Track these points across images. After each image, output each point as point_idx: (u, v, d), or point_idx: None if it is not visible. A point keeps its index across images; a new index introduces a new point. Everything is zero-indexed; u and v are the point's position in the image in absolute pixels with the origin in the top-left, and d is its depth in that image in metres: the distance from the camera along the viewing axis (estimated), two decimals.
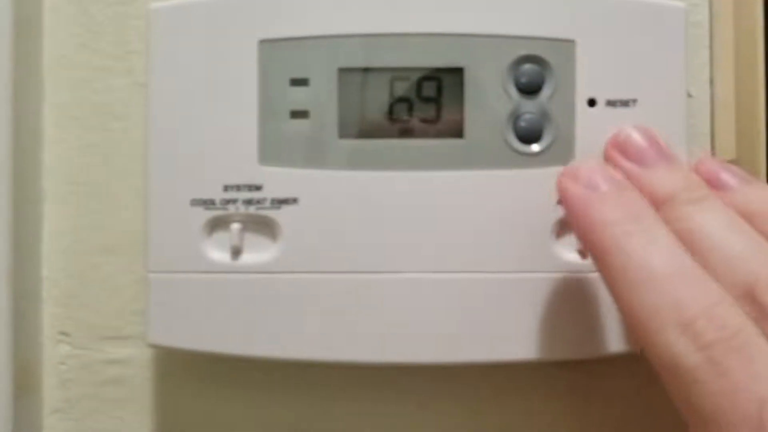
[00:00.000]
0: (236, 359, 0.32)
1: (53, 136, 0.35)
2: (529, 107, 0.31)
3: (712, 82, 0.34)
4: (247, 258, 0.31)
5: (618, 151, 0.28)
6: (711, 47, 0.34)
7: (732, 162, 0.31)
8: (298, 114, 0.31)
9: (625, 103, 0.31)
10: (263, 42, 0.31)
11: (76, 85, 0.35)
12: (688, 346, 0.21)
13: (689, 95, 0.32)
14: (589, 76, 0.31)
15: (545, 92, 0.31)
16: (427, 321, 0.30)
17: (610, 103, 0.31)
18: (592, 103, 0.31)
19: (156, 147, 0.31)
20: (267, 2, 0.31)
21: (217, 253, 0.31)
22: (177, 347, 0.31)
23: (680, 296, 0.22)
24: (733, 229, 0.24)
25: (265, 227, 0.31)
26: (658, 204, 0.26)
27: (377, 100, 0.31)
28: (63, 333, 0.35)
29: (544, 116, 0.31)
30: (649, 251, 0.23)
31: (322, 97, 0.30)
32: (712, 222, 0.25)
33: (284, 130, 0.31)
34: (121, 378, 0.35)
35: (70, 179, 0.35)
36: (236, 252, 0.31)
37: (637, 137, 0.28)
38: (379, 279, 0.30)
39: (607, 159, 0.29)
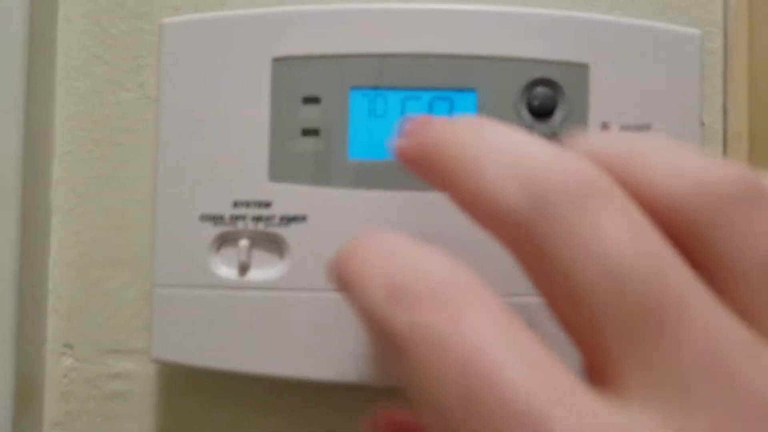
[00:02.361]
0: (240, 376, 0.31)
1: (62, 148, 0.35)
2: (542, 130, 0.31)
3: (725, 110, 0.34)
4: (254, 275, 0.31)
5: None
6: (725, 75, 0.34)
7: None
8: (309, 132, 0.31)
9: (638, 129, 0.31)
10: (276, 60, 0.31)
11: (87, 97, 0.35)
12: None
13: (702, 124, 0.32)
14: (602, 100, 0.31)
15: (558, 116, 0.31)
16: None
17: (624, 128, 0.31)
18: (605, 127, 0.30)
19: (165, 161, 0.31)
20: (280, 20, 0.31)
21: (224, 268, 0.31)
22: (180, 363, 0.31)
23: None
24: None
25: (273, 244, 0.31)
26: None
27: (388, 119, 0.31)
28: (67, 345, 0.35)
29: (556, 140, 0.30)
30: None
31: (333, 115, 0.31)
32: None
33: (295, 147, 0.31)
34: (123, 392, 0.34)
35: (77, 192, 0.35)
36: (243, 268, 0.31)
37: None
38: None
39: None
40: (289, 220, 0.30)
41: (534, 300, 0.29)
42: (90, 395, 0.34)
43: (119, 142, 0.35)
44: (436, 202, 0.30)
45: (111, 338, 0.35)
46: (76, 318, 0.35)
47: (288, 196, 0.30)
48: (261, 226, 0.30)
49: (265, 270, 0.31)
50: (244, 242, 0.30)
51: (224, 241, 0.31)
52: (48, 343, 0.35)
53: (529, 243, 0.18)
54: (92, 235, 0.35)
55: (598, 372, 0.17)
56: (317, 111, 0.31)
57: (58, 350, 0.35)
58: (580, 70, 0.31)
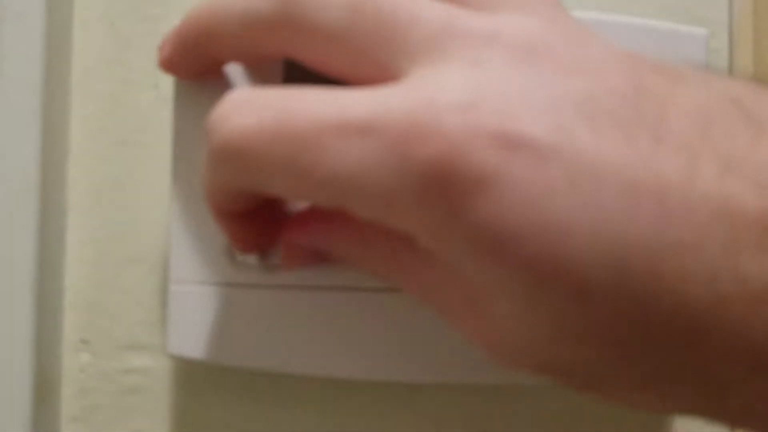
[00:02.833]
0: (260, 373, 0.32)
1: (78, 147, 0.36)
2: None
3: None
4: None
5: None
6: (730, 74, 0.34)
7: None
8: None
9: None
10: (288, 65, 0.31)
11: (104, 98, 0.36)
12: None
13: None
14: None
15: None
16: (450, 337, 0.30)
17: None
18: None
19: (182, 153, 0.31)
20: None
21: (241, 265, 0.31)
22: (199, 359, 0.31)
23: None
24: None
25: None
26: None
27: None
28: (83, 341, 0.35)
29: None
30: None
31: None
32: None
33: None
34: (139, 387, 0.35)
35: (94, 191, 0.35)
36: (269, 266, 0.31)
37: None
38: (396, 296, 0.30)
39: None
40: None
41: None
42: (107, 390, 0.35)
43: (135, 141, 0.35)
44: None
45: (127, 334, 0.35)
46: (93, 314, 0.35)
47: None
48: None
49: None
50: None
51: None
52: (65, 339, 0.35)
53: (284, 29, 0.22)
54: (109, 233, 0.35)
55: None
56: None
57: (75, 346, 0.35)
58: None
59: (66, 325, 0.35)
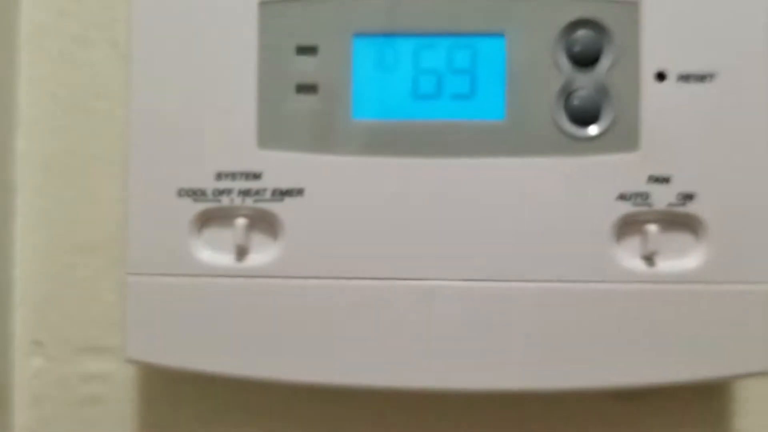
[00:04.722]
0: (230, 380, 0.27)
1: (28, 116, 0.31)
2: (584, 82, 0.26)
3: None
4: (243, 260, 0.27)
5: None
6: None
7: None
8: (305, 88, 0.27)
9: (701, 78, 0.26)
10: (265, 3, 0.27)
11: (55, 57, 0.31)
12: None
13: None
14: (656, 44, 0.26)
15: (603, 64, 0.26)
16: (457, 339, 0.26)
17: (683, 78, 0.26)
18: (661, 77, 0.26)
19: (139, 127, 0.27)
20: None
21: (207, 253, 0.27)
22: (159, 364, 0.27)
23: None
24: None
25: (265, 223, 0.27)
26: None
27: (400, 72, 0.26)
28: (36, 342, 0.31)
29: (602, 93, 0.26)
30: None
31: (334, 68, 0.26)
32: None
33: (288, 107, 0.27)
34: (99, 396, 0.31)
35: (45, 166, 0.31)
36: (241, 253, 0.27)
37: None
38: (400, 287, 0.26)
39: None
40: (282, 193, 0.26)
41: (522, 285, 0.25)
42: (63, 399, 0.31)
43: (91, 108, 0.31)
44: (461, 169, 0.26)
45: (85, 334, 0.31)
46: (46, 311, 0.31)
47: (281, 166, 0.26)
48: (250, 201, 0.26)
49: (257, 254, 0.27)
50: (241, 221, 0.26)
51: (207, 219, 0.27)
52: (15, 340, 0.31)
53: None
54: (62, 215, 0.31)
55: None
56: (314, 63, 0.26)
57: (26, 348, 0.31)
58: (630, 8, 0.26)
59: (16, 325, 0.31)
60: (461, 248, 0.26)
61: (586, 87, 0.26)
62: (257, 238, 0.26)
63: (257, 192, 0.26)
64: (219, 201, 0.26)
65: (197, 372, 0.27)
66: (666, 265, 0.26)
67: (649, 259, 0.26)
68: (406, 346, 0.26)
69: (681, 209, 0.26)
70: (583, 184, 0.26)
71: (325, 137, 0.26)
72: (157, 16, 0.27)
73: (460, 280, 0.26)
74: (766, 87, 0.26)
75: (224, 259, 0.26)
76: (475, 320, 0.26)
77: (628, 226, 0.26)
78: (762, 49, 0.26)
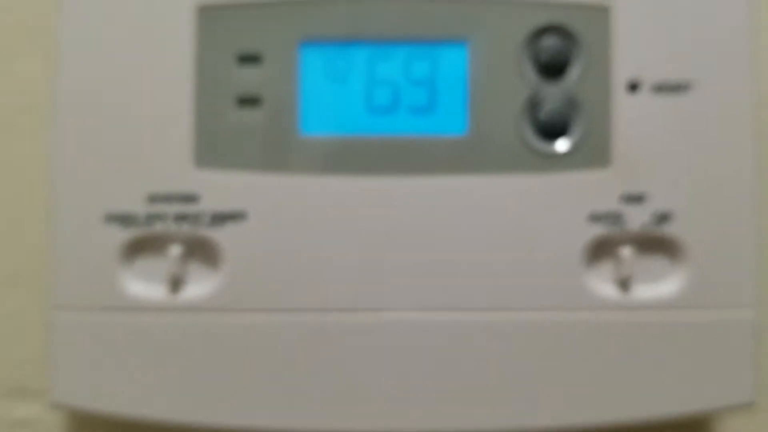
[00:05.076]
0: (166, 427, 0.25)
1: None
2: (552, 93, 0.25)
3: None
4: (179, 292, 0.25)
5: None
6: None
7: None
8: (248, 101, 0.25)
9: (676, 88, 0.25)
10: (203, 8, 0.25)
11: None
12: None
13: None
14: (629, 52, 0.25)
15: (572, 73, 0.25)
16: (415, 376, 0.24)
17: (657, 88, 0.25)
18: (633, 87, 0.25)
19: (63, 145, 0.25)
20: None
21: (139, 285, 0.25)
22: (88, 409, 0.25)
23: None
24: None
25: (202, 251, 0.25)
26: None
27: (352, 83, 0.25)
28: None
29: (571, 105, 0.25)
30: None
31: (279, 78, 0.25)
32: None
33: (229, 121, 0.25)
34: None
35: None
36: (175, 284, 0.25)
37: None
38: (357, 320, 0.25)
39: None
40: (222, 218, 0.24)
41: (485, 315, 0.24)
42: None
43: (15, 123, 0.29)
44: (420, 189, 0.25)
45: (10, 375, 0.28)
46: None
47: (220, 187, 0.24)
48: (186, 227, 0.24)
49: (194, 285, 0.25)
50: (175, 249, 0.25)
51: (138, 248, 0.25)
52: None
53: None
54: None
55: None
56: (258, 73, 0.25)
57: None
58: (600, 13, 0.25)
59: None
60: (420, 276, 0.24)
61: (554, 99, 0.25)
62: (194, 268, 0.25)
63: (194, 216, 0.24)
64: (151, 227, 0.24)
65: (129, 418, 0.24)
66: (641, 290, 0.25)
67: (623, 284, 0.25)
68: (361, 385, 0.24)
69: (656, 230, 0.24)
70: (551, 203, 0.24)
71: (269, 155, 0.24)
72: (87, 20, 0.25)
73: (419, 310, 0.24)
74: (745, 97, 0.25)
75: (157, 291, 0.25)
76: (434, 355, 0.24)
77: (599, 250, 0.25)
78: (741, 56, 0.25)
